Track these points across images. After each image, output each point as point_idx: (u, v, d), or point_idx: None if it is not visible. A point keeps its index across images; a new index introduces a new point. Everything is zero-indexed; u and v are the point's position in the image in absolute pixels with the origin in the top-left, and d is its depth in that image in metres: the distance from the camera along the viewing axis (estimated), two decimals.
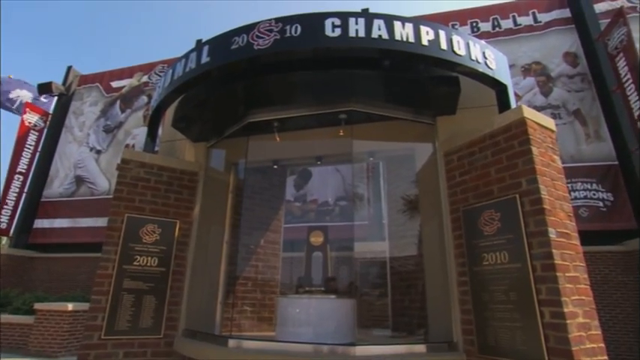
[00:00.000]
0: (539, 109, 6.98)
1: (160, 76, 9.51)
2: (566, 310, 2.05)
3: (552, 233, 2.20)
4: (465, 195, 2.71)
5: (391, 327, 3.45)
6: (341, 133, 3.22)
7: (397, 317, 3.48)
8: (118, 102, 10.02)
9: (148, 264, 3.02)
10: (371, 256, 4.11)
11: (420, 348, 2.55)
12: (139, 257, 2.99)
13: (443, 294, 2.77)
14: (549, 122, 2.59)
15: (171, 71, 3.05)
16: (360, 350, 2.46)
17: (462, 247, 2.67)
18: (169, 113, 3.55)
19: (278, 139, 3.41)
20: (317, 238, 3.62)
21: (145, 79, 10.15)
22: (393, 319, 3.49)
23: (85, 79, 10.96)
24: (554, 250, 2.16)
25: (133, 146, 9.20)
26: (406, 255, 3.59)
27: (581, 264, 2.28)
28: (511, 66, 7.28)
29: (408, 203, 3.62)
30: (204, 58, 2.71)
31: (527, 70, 7.41)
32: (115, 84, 10.38)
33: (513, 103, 2.66)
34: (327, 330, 2.96)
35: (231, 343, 2.66)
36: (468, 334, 2.54)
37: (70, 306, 5.45)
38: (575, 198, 6.52)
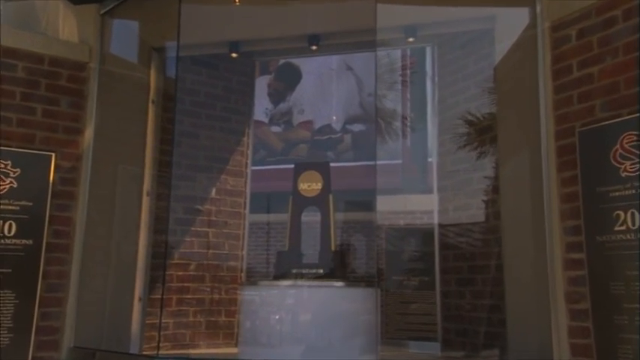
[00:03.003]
0: None
1: None
2: None
3: None
4: (588, 103, 2.55)
5: (441, 339, 3.52)
6: None
7: (451, 322, 3.55)
8: None
9: None
10: (407, 221, 4.23)
11: None
12: None
13: (535, 284, 2.76)
14: None
15: None
16: None
17: (574, 200, 2.56)
18: None
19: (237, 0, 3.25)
20: (311, 185, 3.55)
21: None
22: (444, 326, 3.56)
23: None
24: None
25: None
26: (469, 219, 3.62)
27: None
28: None
29: (474, 125, 3.60)
30: None
31: None
32: None
33: None
34: (330, 342, 3.03)
35: None
36: (583, 353, 2.46)
37: None
38: None
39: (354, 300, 3.23)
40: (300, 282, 3.32)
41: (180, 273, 3.78)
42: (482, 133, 3.53)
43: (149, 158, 3.62)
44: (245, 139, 4.27)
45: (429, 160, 4.18)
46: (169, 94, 3.79)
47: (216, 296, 3.90)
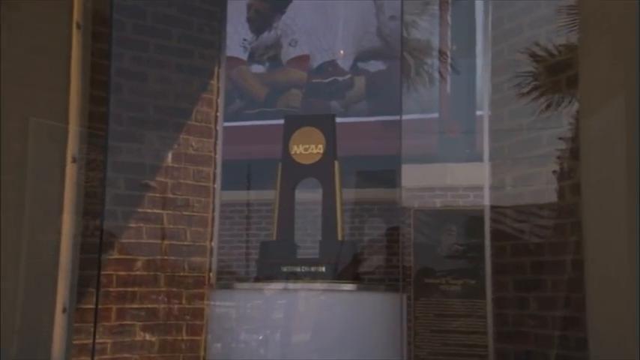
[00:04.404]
0: None
1: None
2: None
3: None
4: None
5: None
6: None
7: (507, 343, 3.58)
8: None
9: None
10: (445, 200, 4.43)
11: None
12: None
13: (629, 289, 2.71)
14: None
15: None
16: None
17: None
18: None
19: None
20: (309, 147, 3.64)
21: None
22: (498, 348, 3.60)
23: None
24: None
25: None
26: (535, 197, 3.65)
27: None
28: None
29: (544, 60, 3.62)
30: None
31: None
32: None
33: None
34: None
35: None
36: None
37: None
38: None
39: (370, 310, 3.30)
40: (293, 285, 3.39)
41: (122, 273, 3.72)
42: (556, 72, 3.49)
43: (75, 108, 3.51)
44: (214, 82, 4.22)
45: (478, 113, 4.27)
46: (102, 16, 3.71)
47: (174, 306, 3.85)
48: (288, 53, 7.75)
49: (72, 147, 3.49)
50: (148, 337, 3.75)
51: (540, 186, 3.56)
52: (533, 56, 3.62)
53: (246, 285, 3.66)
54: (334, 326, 3.25)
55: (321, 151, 3.60)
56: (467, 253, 3.96)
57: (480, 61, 4.28)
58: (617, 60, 2.94)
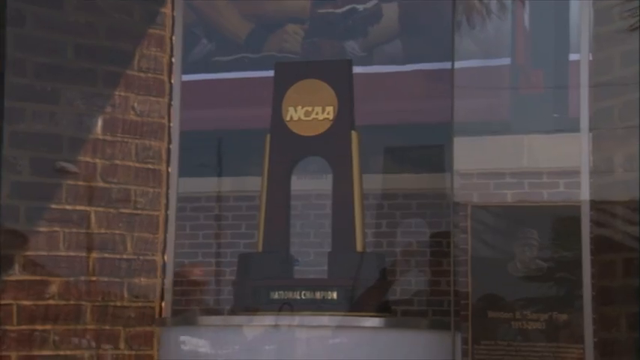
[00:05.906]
0: None
1: None
2: None
3: None
4: None
5: None
6: None
7: None
8: None
9: None
10: (520, 192, 4.47)
11: None
12: None
13: None
14: None
15: None
16: None
17: None
18: None
19: None
20: (312, 111, 3.65)
21: None
22: None
23: None
24: None
25: None
26: None
27: None
28: None
29: None
30: None
31: None
32: None
33: None
34: None
35: None
36: None
37: None
38: None
39: (406, 357, 3.38)
40: (289, 319, 3.48)
41: (27, 302, 3.72)
42: None
43: None
44: (166, 11, 4.23)
45: (572, 57, 4.16)
46: None
47: (107, 351, 3.87)
48: None
49: None
50: None
51: None
52: None
53: (216, 320, 3.73)
54: None
55: (331, 117, 3.57)
56: (555, 273, 3.93)
57: None
58: None
